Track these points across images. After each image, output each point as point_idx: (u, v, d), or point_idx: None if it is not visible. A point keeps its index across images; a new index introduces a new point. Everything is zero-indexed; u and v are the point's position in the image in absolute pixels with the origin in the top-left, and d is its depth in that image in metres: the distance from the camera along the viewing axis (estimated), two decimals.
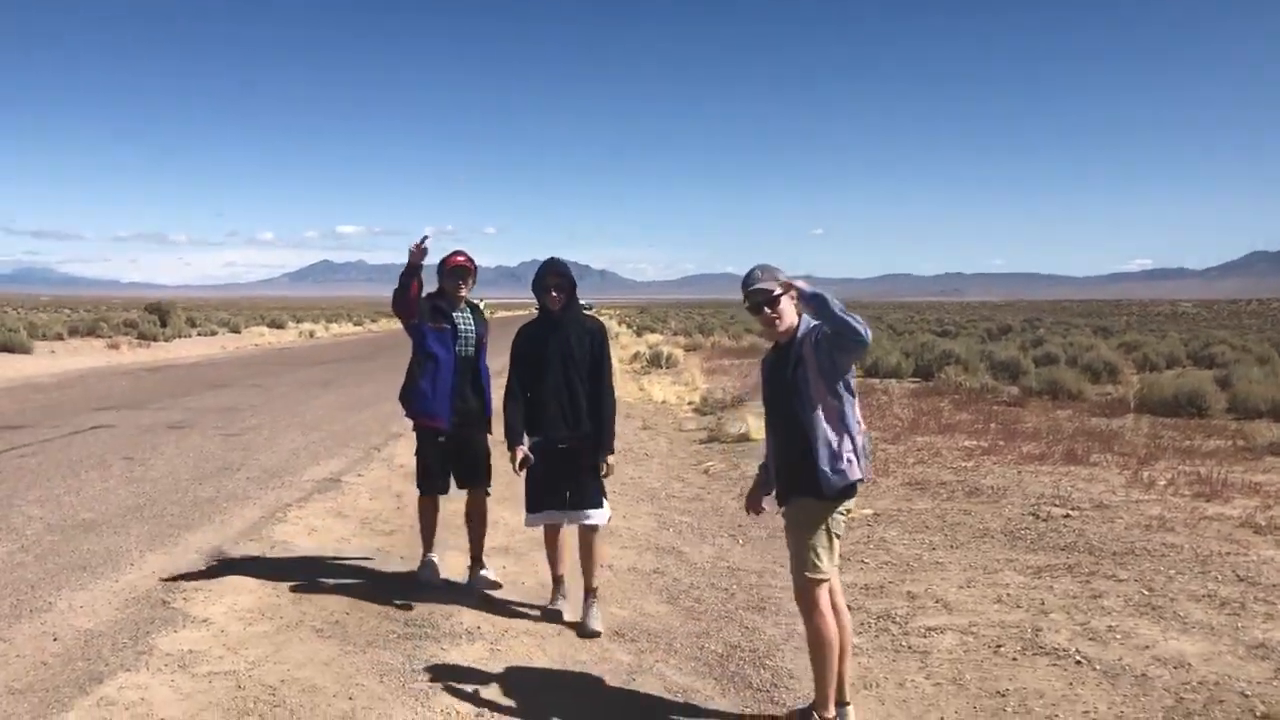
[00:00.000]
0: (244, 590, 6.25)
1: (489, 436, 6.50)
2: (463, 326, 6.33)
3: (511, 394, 5.83)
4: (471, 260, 6.35)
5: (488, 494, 6.58)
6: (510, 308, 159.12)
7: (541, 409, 5.76)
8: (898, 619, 5.96)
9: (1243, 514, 8.10)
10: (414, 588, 6.39)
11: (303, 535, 7.73)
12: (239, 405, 16.46)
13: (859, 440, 4.39)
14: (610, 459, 5.85)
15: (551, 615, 6.01)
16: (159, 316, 45.82)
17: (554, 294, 5.76)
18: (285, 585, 6.38)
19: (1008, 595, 6.26)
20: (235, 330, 50.51)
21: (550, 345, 5.78)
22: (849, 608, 6.27)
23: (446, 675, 5.01)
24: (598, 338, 5.91)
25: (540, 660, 5.32)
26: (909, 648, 5.49)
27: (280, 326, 58.54)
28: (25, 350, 29.93)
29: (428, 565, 6.64)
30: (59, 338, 36.24)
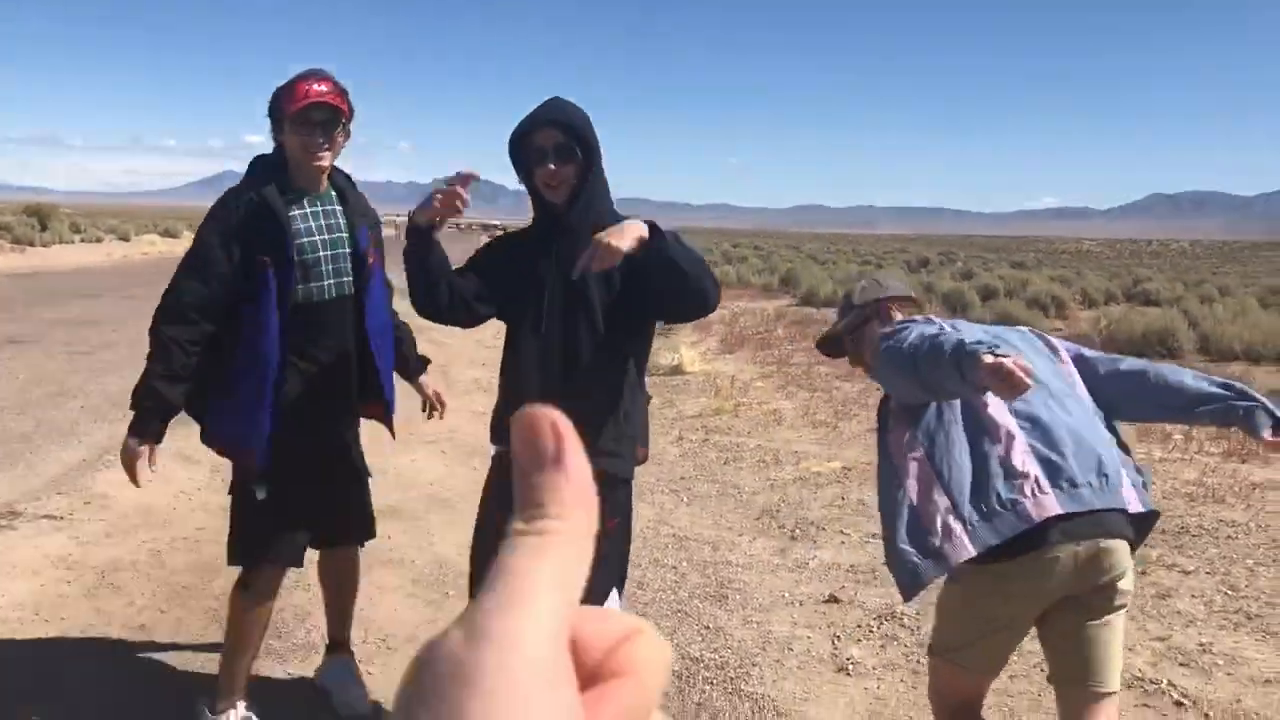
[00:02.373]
0: (25, 572, 4.58)
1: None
2: (316, 237, 3.17)
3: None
4: (340, 92, 3.12)
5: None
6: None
7: (514, 386, 3.02)
8: (906, 622, 4.54)
9: None
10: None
11: (132, 487, 6.02)
12: (101, 319, 14.41)
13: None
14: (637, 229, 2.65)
15: None
16: (38, 220, 42.43)
17: (551, 165, 2.86)
18: (86, 564, 4.72)
19: None
20: (124, 238, 47.16)
21: (549, 272, 2.93)
22: (832, 597, 4.86)
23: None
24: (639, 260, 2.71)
25: None
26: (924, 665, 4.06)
27: (175, 235, 55.07)
28: None
29: None
30: None
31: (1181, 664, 4.04)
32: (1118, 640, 2.47)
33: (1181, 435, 7.71)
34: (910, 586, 2.45)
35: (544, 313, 2.92)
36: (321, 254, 3.17)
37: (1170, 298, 21.76)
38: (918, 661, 4.11)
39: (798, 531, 5.89)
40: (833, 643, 4.36)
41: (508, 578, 0.34)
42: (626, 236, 2.58)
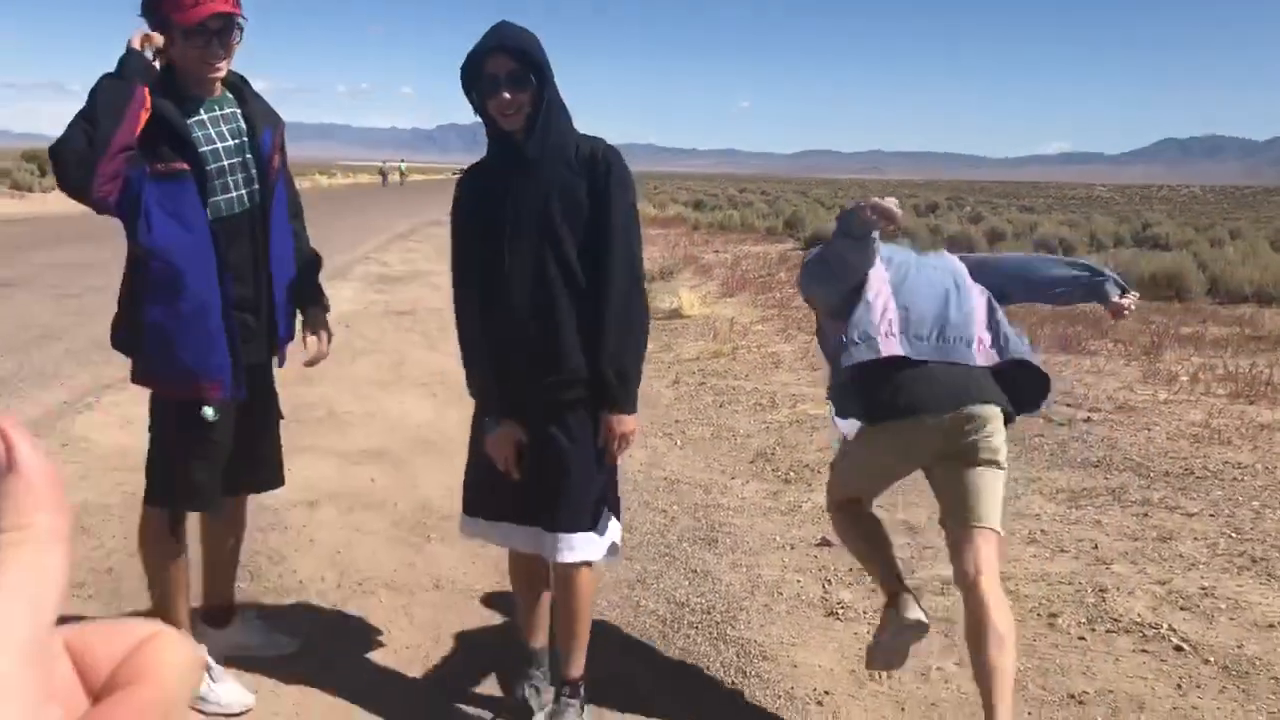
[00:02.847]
0: None
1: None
2: (220, 144, 2.93)
3: (469, 302, 2.94)
4: None
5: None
6: (427, 172, 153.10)
7: (493, 333, 2.91)
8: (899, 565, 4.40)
9: None
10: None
11: (113, 429, 5.91)
12: (93, 262, 14.21)
13: None
14: (627, 423, 2.87)
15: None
16: (39, 166, 42.12)
17: (505, 94, 2.71)
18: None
19: (1043, 534, 4.71)
20: None
21: (508, 208, 2.82)
22: (825, 540, 4.74)
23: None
24: (602, 184, 2.80)
25: (402, 633, 3.65)
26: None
27: None
28: None
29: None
30: None
31: (1182, 608, 3.89)
32: (991, 487, 2.92)
33: (1187, 377, 7.54)
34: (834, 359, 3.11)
35: (506, 249, 2.79)
36: (225, 162, 2.91)
37: (1180, 241, 21.45)
38: None
39: (791, 475, 5.75)
40: (823, 587, 4.24)
41: None
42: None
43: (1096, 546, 4.52)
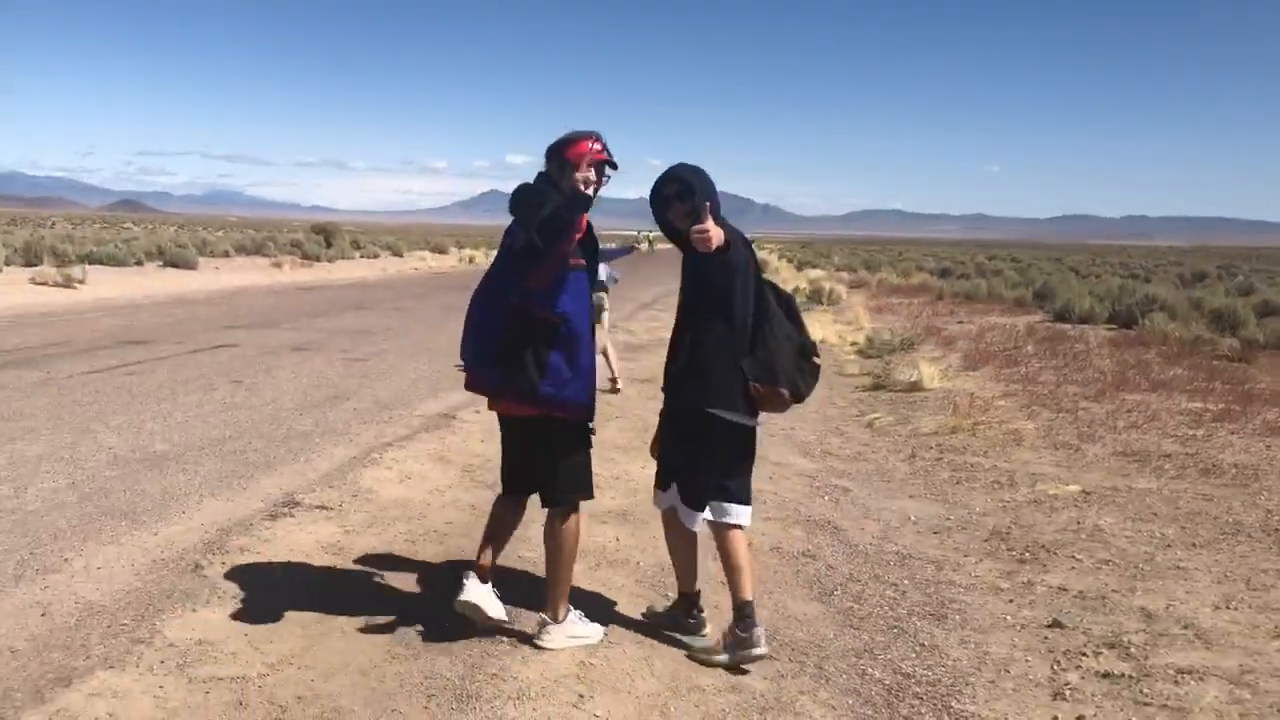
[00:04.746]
0: (297, 555, 5.13)
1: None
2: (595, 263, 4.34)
3: None
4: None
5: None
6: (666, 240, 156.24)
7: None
8: (1133, 651, 4.38)
9: None
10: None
11: (393, 483, 6.60)
12: (373, 328, 15.67)
13: None
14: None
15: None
16: (324, 237, 46.23)
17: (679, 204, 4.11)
18: (348, 551, 5.24)
19: None
20: (398, 254, 50.66)
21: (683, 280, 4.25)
22: (1056, 622, 4.75)
23: (513, 701, 3.74)
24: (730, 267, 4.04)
25: (644, 683, 3.99)
26: (1154, 702, 3.92)
27: (442, 251, 58.62)
28: (190, 266, 30.26)
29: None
30: (225, 255, 36.75)
31: None
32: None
33: None
34: None
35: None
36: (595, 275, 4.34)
37: None
38: (1140, 692, 3.98)
39: (1026, 555, 5.75)
40: (1052, 668, 4.27)
41: None
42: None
43: None
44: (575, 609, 4.34)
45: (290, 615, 4.36)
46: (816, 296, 26.77)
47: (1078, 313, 18.48)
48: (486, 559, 4.24)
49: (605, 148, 4.05)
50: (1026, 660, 4.37)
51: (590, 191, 3.91)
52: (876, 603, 5.03)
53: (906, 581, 5.36)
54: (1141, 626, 4.64)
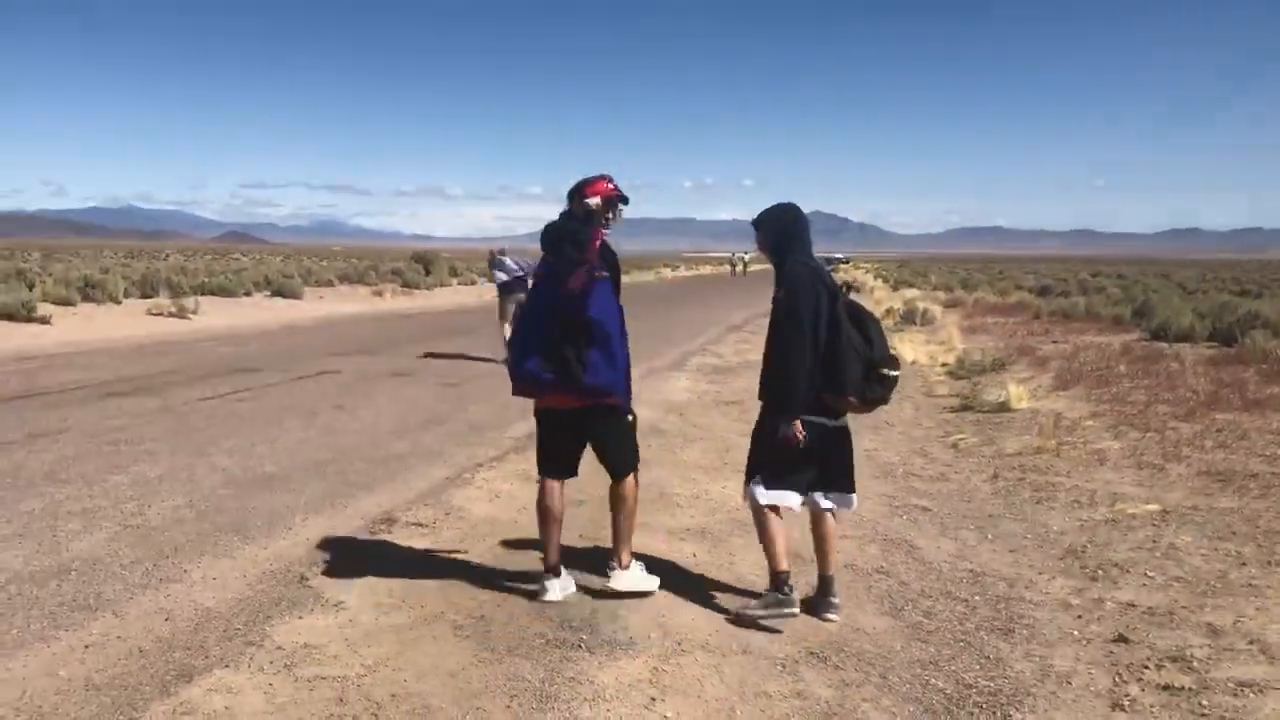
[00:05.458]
0: (392, 568, 5.49)
1: None
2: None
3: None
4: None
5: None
6: (765, 262, 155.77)
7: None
8: (1195, 665, 4.47)
9: None
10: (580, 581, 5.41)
11: (483, 501, 6.95)
12: (469, 352, 16.18)
13: None
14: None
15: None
16: (424, 265, 47.49)
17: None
18: (439, 565, 5.58)
19: None
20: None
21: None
22: (1121, 636, 4.85)
23: (589, 703, 4.01)
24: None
25: (713, 688, 4.23)
26: (1212, 713, 4.02)
27: None
28: (296, 296, 31.45)
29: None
30: (329, 284, 38.02)
31: None
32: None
33: None
34: None
35: None
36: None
37: None
38: (1199, 704, 4.08)
39: (1099, 572, 5.83)
40: (1113, 680, 4.38)
41: None
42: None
43: None
44: (638, 561, 5.30)
45: (386, 622, 4.71)
46: (910, 317, 26.65)
47: (1176, 331, 18.12)
48: (554, 557, 5.15)
49: (617, 186, 5.03)
50: (1089, 673, 4.49)
51: (609, 218, 5.00)
52: (946, 618, 5.17)
53: (977, 598, 5.49)
54: (1207, 641, 4.72)
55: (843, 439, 5.03)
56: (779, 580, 4.91)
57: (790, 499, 4.98)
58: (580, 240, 4.83)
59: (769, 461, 4.97)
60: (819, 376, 4.79)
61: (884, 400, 4.94)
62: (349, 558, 5.62)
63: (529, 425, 9.70)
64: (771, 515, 4.97)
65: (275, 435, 8.95)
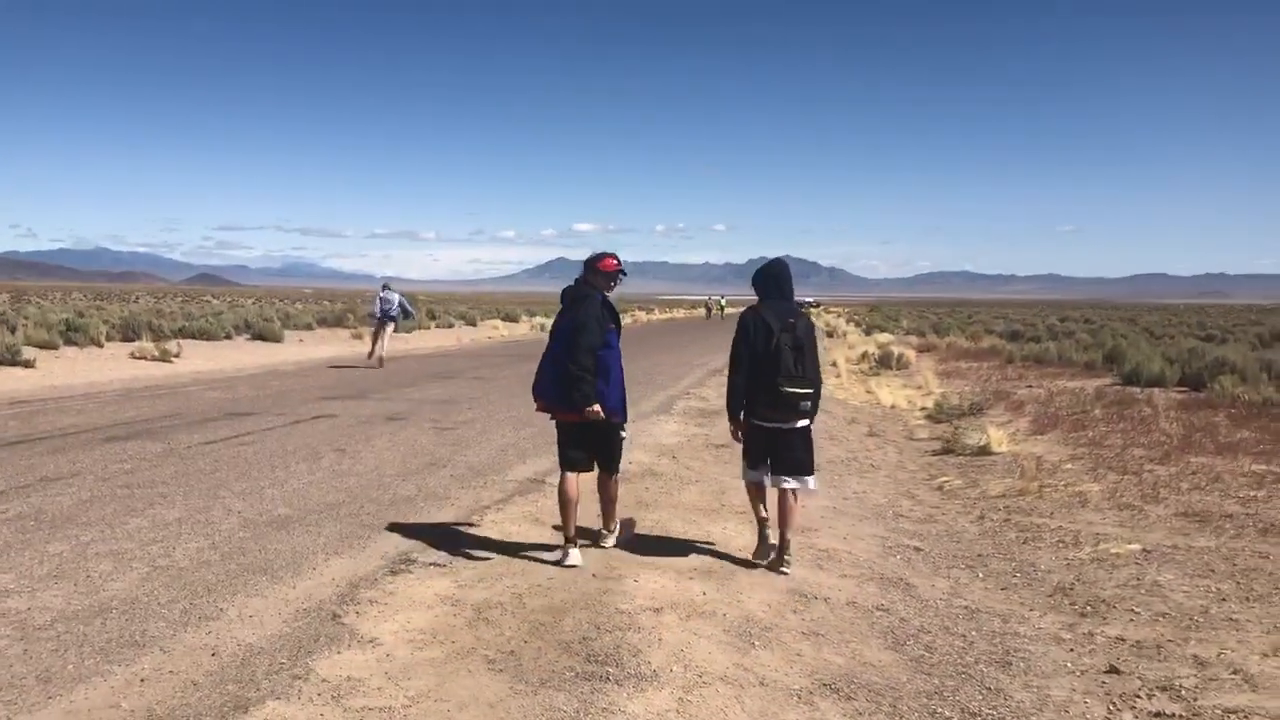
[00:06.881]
0: (420, 606, 5.72)
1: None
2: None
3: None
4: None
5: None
6: (739, 305, 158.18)
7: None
8: (1184, 694, 4.79)
9: None
10: (598, 610, 5.67)
11: (495, 541, 7.18)
12: (458, 398, 16.41)
13: None
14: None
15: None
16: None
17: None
18: (465, 602, 5.82)
19: None
20: (471, 323, 51.97)
21: None
22: (1113, 668, 5.17)
23: None
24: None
25: (736, 717, 4.49)
26: None
27: (514, 320, 59.93)
28: (277, 339, 31.56)
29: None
30: (308, 328, 38.12)
31: None
32: None
33: None
34: None
35: None
36: None
37: None
38: None
39: (1088, 608, 6.16)
40: (1107, 708, 4.70)
41: None
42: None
43: None
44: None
45: (421, 656, 4.95)
46: (885, 361, 27.11)
47: (1147, 376, 18.63)
48: (572, 531, 6.71)
49: (619, 262, 6.80)
50: (1085, 702, 4.79)
51: (612, 285, 6.77)
52: (946, 651, 5.47)
53: (974, 632, 5.79)
54: (1193, 672, 5.05)
55: (792, 437, 6.57)
56: (762, 526, 6.84)
57: (759, 477, 6.75)
58: (591, 301, 6.66)
59: (745, 453, 6.79)
60: (761, 393, 6.46)
61: (793, 408, 6.43)
62: (376, 596, 5.85)
63: (529, 468, 10.05)
64: (753, 488, 6.86)
65: (283, 478, 9.16)
